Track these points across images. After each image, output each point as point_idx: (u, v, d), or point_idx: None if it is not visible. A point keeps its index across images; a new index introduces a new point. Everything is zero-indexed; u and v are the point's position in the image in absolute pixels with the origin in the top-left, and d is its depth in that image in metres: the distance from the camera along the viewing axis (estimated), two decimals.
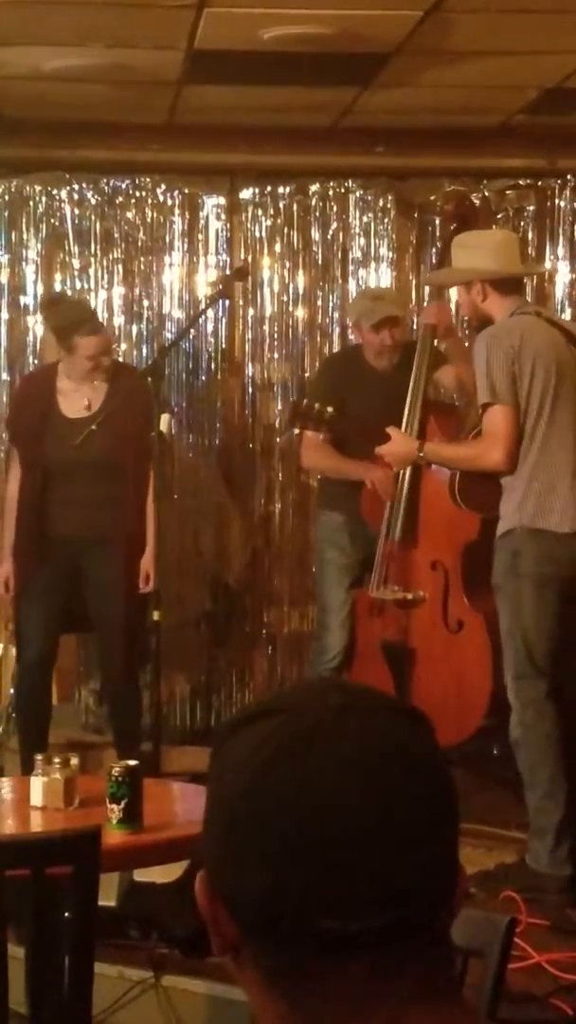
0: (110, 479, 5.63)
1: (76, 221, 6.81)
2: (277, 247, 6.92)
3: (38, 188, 6.79)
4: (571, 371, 4.91)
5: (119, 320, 6.86)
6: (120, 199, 6.84)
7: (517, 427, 4.83)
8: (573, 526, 4.82)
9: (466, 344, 5.81)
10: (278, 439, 6.86)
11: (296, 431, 6.14)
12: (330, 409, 5.72)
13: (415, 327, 6.63)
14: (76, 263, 6.81)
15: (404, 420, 5.50)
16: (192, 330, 6.66)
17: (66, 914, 2.87)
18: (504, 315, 4.96)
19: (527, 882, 4.75)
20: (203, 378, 6.91)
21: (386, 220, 6.92)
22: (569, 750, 4.84)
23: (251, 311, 6.92)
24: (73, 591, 5.78)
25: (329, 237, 6.93)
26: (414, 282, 6.95)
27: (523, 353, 4.81)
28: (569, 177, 6.89)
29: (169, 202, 6.87)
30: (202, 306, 6.67)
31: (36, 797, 3.62)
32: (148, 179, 6.82)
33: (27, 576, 5.79)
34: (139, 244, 6.87)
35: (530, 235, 6.94)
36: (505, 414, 4.81)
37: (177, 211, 6.88)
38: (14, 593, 5.86)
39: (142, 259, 6.87)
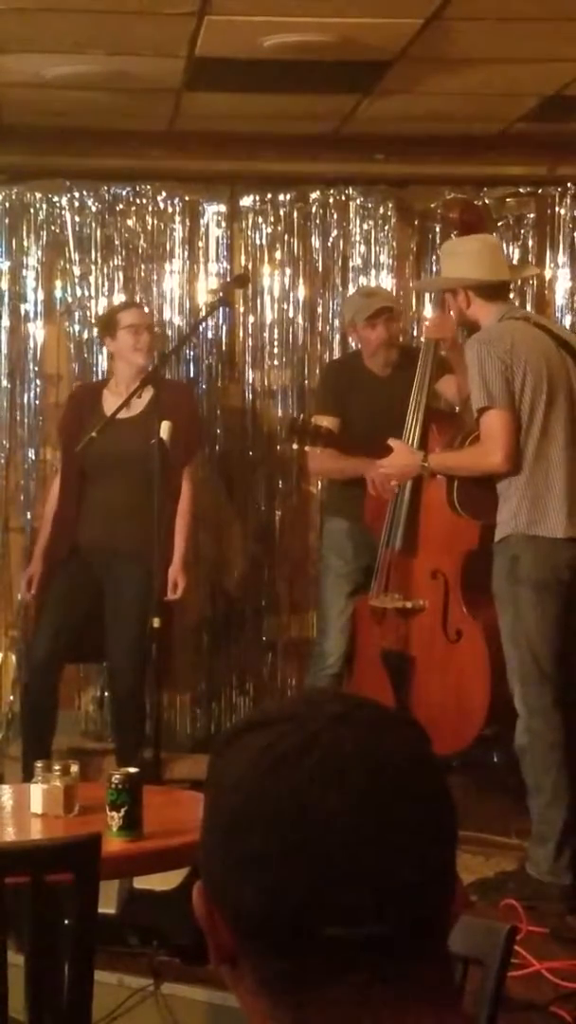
0: (140, 485, 5.54)
1: (77, 228, 6.81)
2: (277, 254, 6.92)
3: (39, 195, 6.79)
4: (562, 375, 4.92)
5: None
6: (121, 206, 6.84)
7: (515, 429, 4.84)
8: (568, 531, 4.83)
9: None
10: (278, 447, 6.86)
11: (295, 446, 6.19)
12: (325, 423, 5.76)
13: (415, 333, 6.65)
14: (77, 270, 6.81)
15: (406, 428, 5.50)
16: (192, 337, 6.66)
17: (66, 921, 2.87)
18: (492, 320, 4.98)
19: (527, 890, 4.75)
20: (203, 385, 6.91)
21: (386, 227, 6.92)
22: (574, 758, 4.84)
23: (251, 318, 6.92)
24: (89, 609, 5.79)
25: (329, 244, 6.92)
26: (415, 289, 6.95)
27: (515, 358, 4.83)
28: (569, 185, 6.89)
29: (169, 209, 6.87)
30: (202, 313, 6.67)
31: (36, 804, 3.62)
32: (149, 186, 6.82)
33: (53, 579, 5.90)
34: (140, 251, 6.86)
35: (530, 243, 6.95)
36: (502, 417, 4.83)
37: (177, 218, 6.87)
38: (36, 594, 5.99)
39: (143, 266, 6.87)
